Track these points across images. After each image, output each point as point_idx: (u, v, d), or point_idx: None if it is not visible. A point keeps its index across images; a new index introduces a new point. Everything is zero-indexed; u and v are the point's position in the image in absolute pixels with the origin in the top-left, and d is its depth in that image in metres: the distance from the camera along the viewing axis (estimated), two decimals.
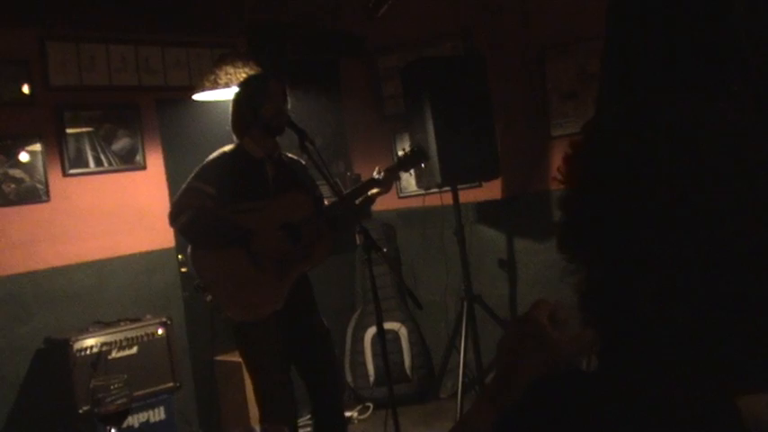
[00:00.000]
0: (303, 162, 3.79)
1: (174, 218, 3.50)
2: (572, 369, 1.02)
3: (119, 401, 1.66)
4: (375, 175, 3.67)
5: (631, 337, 0.85)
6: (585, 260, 0.91)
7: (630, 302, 0.82)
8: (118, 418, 1.68)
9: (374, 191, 3.68)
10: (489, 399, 1.09)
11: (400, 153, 3.78)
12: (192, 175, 3.52)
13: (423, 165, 3.90)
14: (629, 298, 0.83)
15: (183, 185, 3.52)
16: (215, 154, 3.58)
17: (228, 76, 4.11)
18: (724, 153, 0.82)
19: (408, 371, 5.40)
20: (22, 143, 4.47)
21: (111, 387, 1.64)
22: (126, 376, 1.69)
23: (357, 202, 3.68)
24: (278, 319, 3.46)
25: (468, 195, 5.22)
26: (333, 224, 3.64)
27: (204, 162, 3.55)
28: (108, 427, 1.71)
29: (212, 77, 4.18)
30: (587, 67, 4.85)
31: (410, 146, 3.79)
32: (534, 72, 5.05)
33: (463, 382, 4.75)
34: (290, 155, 3.76)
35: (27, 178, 4.47)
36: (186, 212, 3.44)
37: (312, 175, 3.84)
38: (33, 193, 4.49)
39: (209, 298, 3.45)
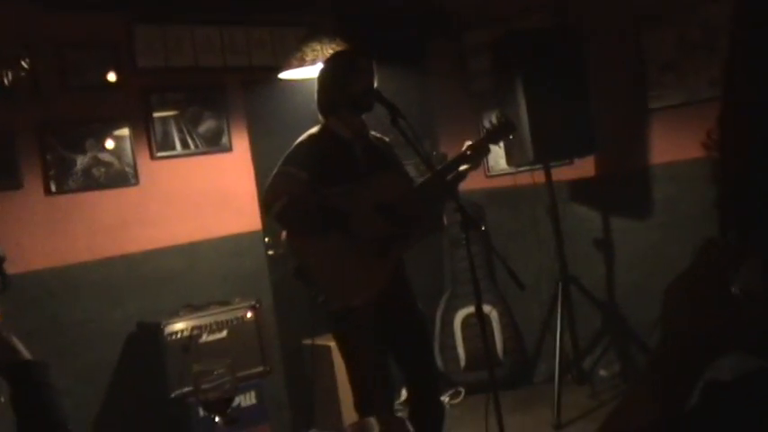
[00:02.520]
0: (388, 140, 3.65)
1: (268, 206, 3.35)
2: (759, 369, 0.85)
3: (223, 389, 1.57)
4: (465, 150, 3.49)
5: None
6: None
7: None
8: (221, 405, 1.59)
9: (464, 167, 3.51)
10: (652, 392, 0.93)
11: (487, 125, 3.58)
12: (282, 159, 3.38)
13: (511, 136, 3.70)
14: None
15: (274, 171, 3.38)
16: (303, 137, 3.45)
17: (315, 53, 4.01)
18: None
19: (500, 354, 5.24)
20: (111, 127, 4.47)
21: (215, 372, 1.55)
22: (230, 361, 1.60)
23: (448, 178, 3.52)
24: (374, 304, 3.35)
25: (560, 174, 5.01)
26: (426, 203, 3.50)
27: (293, 146, 3.42)
28: (211, 415, 1.62)
29: (299, 55, 4.09)
30: (687, 36, 4.57)
31: (497, 117, 3.58)
32: (631, 42, 4.78)
33: (559, 367, 4.57)
34: (375, 134, 3.62)
35: (116, 162, 4.48)
36: (280, 199, 3.28)
37: (398, 155, 3.70)
38: (122, 177, 4.49)
39: (314, 293, 3.36)
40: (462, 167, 3.50)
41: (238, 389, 4.22)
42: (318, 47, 4.01)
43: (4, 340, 1.56)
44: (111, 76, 4.47)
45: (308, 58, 4.01)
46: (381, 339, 3.42)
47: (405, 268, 3.56)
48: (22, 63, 4.23)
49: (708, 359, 0.87)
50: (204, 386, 1.62)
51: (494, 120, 3.55)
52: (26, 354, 1.55)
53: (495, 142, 3.61)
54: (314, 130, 3.47)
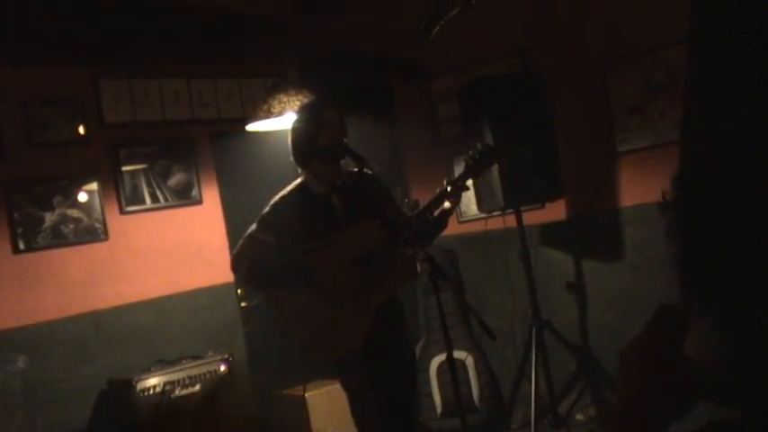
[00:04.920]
0: (371, 173, 3.52)
1: (236, 269, 3.52)
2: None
3: None
4: (442, 190, 3.41)
5: None
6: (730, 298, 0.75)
7: None
8: None
9: (446, 205, 3.47)
10: None
11: (467, 159, 3.46)
12: (256, 221, 3.45)
13: (497, 164, 3.62)
14: None
15: (245, 234, 3.46)
16: (278, 197, 3.47)
17: (282, 105, 4.03)
18: None
19: (477, 401, 5.20)
20: (79, 183, 4.46)
21: None
22: None
23: (420, 224, 3.47)
24: (369, 350, 3.35)
25: (532, 217, 5.03)
26: (400, 252, 3.47)
27: (268, 206, 3.46)
28: None
29: (265, 107, 4.10)
30: (652, 78, 4.65)
31: (479, 146, 3.49)
32: (596, 86, 4.86)
33: (536, 412, 4.54)
34: (363, 170, 3.42)
35: (85, 218, 4.45)
36: (244, 262, 3.41)
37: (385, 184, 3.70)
38: (92, 233, 4.46)
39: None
40: (442, 207, 3.46)
41: None
42: (285, 99, 4.04)
43: None
44: (81, 129, 4.46)
45: (274, 110, 4.03)
46: (380, 382, 3.42)
47: (399, 312, 3.55)
48: None
49: (663, 425, 0.87)
50: None
51: (474, 151, 3.46)
52: None
53: (479, 175, 3.57)
54: (290, 187, 3.49)
